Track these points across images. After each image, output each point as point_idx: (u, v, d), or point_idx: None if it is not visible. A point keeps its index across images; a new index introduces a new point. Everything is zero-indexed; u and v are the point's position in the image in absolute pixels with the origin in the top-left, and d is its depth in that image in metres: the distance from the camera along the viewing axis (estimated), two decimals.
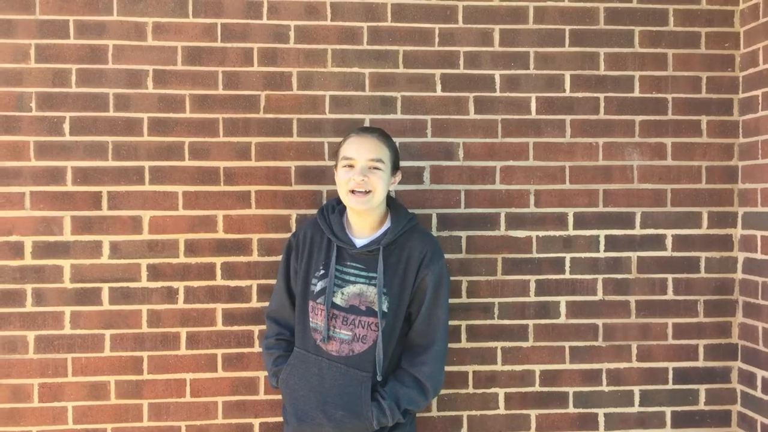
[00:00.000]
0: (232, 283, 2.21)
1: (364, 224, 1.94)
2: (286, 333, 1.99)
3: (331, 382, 1.86)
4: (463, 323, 2.27)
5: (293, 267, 1.99)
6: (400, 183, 2.20)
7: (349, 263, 1.91)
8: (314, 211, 2.21)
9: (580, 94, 2.31)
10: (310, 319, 1.91)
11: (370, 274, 1.89)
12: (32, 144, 2.16)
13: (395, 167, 1.96)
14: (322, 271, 1.92)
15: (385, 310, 1.87)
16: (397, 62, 2.26)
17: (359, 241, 1.92)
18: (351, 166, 1.88)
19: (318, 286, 1.91)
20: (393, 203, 2.01)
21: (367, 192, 1.86)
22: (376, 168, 1.87)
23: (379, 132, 1.95)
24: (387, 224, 1.95)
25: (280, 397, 2.20)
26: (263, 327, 2.20)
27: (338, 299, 1.89)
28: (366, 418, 1.83)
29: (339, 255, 1.91)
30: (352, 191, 1.86)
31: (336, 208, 1.99)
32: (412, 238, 1.94)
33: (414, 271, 1.91)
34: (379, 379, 1.87)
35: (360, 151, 1.87)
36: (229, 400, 2.21)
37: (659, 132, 2.33)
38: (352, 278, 1.90)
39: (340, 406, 1.84)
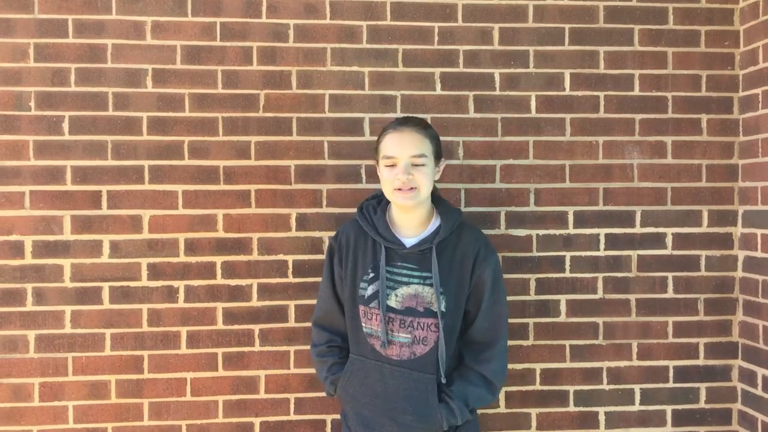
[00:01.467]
0: (233, 282, 2.21)
1: (412, 221, 1.88)
2: (338, 339, 1.92)
3: (395, 388, 1.81)
4: None
5: (337, 272, 1.91)
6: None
7: (399, 264, 1.84)
8: (313, 210, 2.22)
9: (579, 93, 2.31)
10: (363, 325, 1.84)
11: (424, 274, 1.83)
12: (31, 143, 2.16)
13: (438, 156, 1.88)
14: (371, 275, 1.85)
15: (444, 310, 1.82)
16: (396, 61, 2.25)
17: (408, 240, 1.86)
18: (393, 165, 1.81)
19: (369, 290, 1.84)
20: (437, 199, 1.95)
21: (413, 188, 1.80)
22: (419, 164, 1.80)
23: (417, 122, 1.86)
24: (435, 221, 1.89)
25: (281, 396, 2.21)
26: (263, 326, 2.21)
27: (392, 302, 1.82)
28: (435, 420, 1.79)
29: (388, 256, 1.85)
30: (398, 188, 1.81)
31: (377, 207, 1.92)
32: (462, 235, 1.89)
33: (469, 268, 1.86)
34: (443, 381, 1.83)
35: (401, 147, 1.80)
36: (230, 399, 2.21)
37: (659, 130, 2.33)
38: (405, 279, 1.84)
39: (408, 411, 1.80)
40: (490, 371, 1.85)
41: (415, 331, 1.82)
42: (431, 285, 1.82)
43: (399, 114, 2.24)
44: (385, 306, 1.81)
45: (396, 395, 1.80)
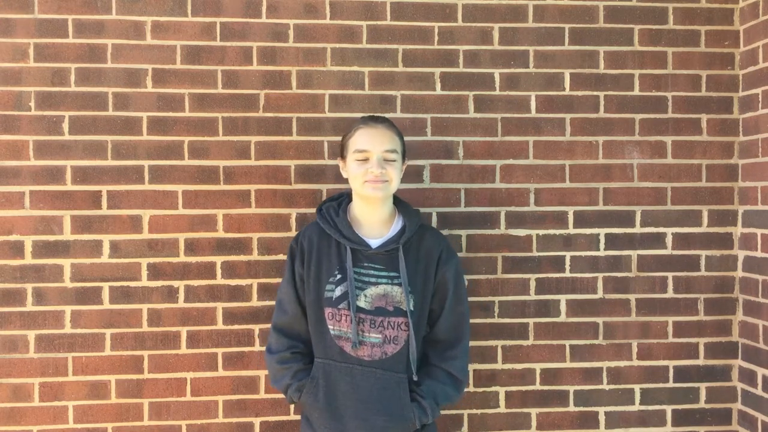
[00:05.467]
0: (233, 282, 2.21)
1: (376, 219, 1.90)
2: (300, 345, 1.90)
3: (367, 389, 1.81)
4: None
5: (299, 275, 1.90)
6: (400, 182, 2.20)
7: (366, 264, 1.86)
8: (314, 211, 2.21)
9: (579, 93, 2.31)
10: (330, 327, 1.84)
11: (391, 274, 1.85)
12: (31, 143, 2.16)
13: (404, 156, 1.93)
14: (338, 276, 1.85)
15: (412, 309, 1.84)
16: (396, 61, 2.25)
17: (373, 241, 1.88)
18: (366, 159, 1.84)
19: (337, 291, 1.84)
20: (397, 200, 1.98)
21: (384, 180, 1.83)
22: (391, 159, 1.84)
23: (388, 120, 1.92)
24: (398, 221, 1.93)
25: (281, 395, 2.21)
26: (264, 326, 2.21)
27: (362, 302, 1.83)
28: (408, 419, 1.81)
29: (354, 257, 1.86)
30: (368, 180, 1.82)
31: (338, 209, 1.93)
32: (425, 236, 1.94)
33: (434, 268, 1.91)
34: (415, 378, 1.85)
35: (374, 143, 1.83)
36: (230, 399, 2.21)
37: (659, 130, 2.33)
38: (373, 279, 1.85)
39: (381, 411, 1.80)
40: (455, 368, 1.89)
41: (386, 330, 1.84)
42: (399, 284, 1.85)
43: (399, 114, 2.24)
44: (356, 306, 1.82)
45: (369, 396, 1.81)
